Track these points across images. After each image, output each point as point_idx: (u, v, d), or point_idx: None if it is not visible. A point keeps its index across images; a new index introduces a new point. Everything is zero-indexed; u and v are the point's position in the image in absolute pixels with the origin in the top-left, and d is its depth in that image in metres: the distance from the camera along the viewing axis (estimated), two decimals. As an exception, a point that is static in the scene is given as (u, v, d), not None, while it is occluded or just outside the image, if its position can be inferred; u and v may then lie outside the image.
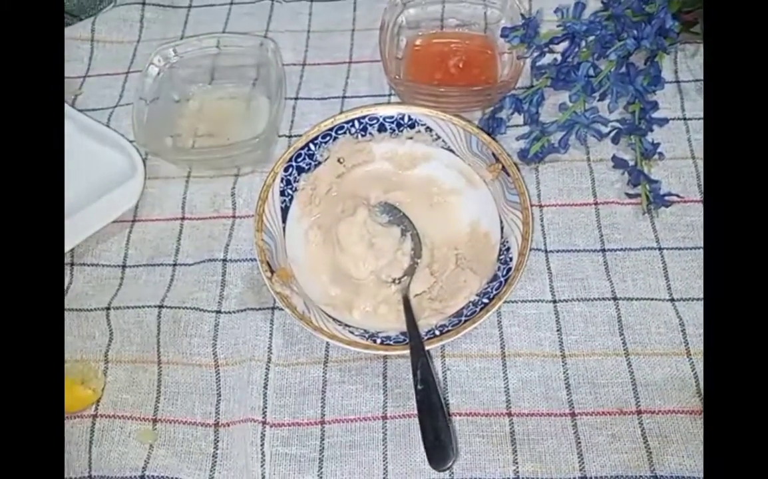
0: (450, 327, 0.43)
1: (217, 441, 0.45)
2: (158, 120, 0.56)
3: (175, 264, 0.52)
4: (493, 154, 0.49)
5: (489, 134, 0.50)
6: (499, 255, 0.46)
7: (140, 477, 0.44)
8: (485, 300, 0.44)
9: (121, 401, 0.47)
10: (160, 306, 0.50)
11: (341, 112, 0.52)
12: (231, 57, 0.61)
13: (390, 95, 0.59)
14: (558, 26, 0.52)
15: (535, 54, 0.52)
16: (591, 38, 0.53)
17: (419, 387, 0.41)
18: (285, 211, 0.49)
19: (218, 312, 0.49)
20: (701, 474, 0.42)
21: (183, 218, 0.54)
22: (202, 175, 0.56)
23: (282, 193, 0.49)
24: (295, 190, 0.50)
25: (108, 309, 0.50)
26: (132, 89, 0.58)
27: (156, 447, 0.45)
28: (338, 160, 0.52)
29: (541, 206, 0.53)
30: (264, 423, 0.45)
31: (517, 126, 0.55)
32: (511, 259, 0.45)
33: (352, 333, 0.44)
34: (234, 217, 0.54)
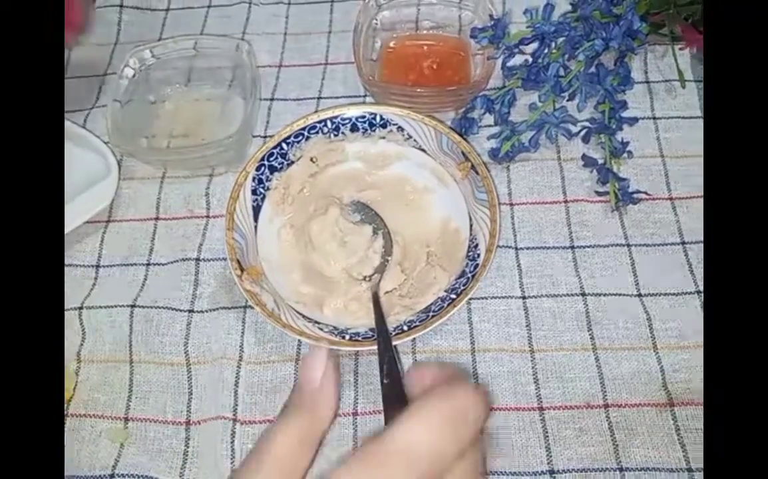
0: (418, 323, 0.44)
1: (188, 439, 0.45)
2: (133, 121, 0.56)
3: (148, 264, 0.52)
4: (463, 153, 0.50)
5: (459, 134, 0.51)
6: (468, 252, 0.47)
7: (110, 476, 0.44)
8: (453, 296, 0.44)
9: (93, 400, 0.47)
10: (133, 306, 0.50)
11: (315, 112, 0.53)
12: (207, 59, 0.61)
13: (365, 96, 0.60)
14: (527, 27, 0.53)
15: (505, 55, 0.53)
16: (560, 39, 0.54)
17: (385, 381, 0.41)
18: (257, 209, 0.50)
19: (191, 311, 0.50)
20: (666, 466, 0.42)
21: (157, 218, 0.54)
22: (176, 175, 0.56)
23: (254, 192, 0.50)
24: (268, 189, 0.51)
25: (81, 308, 0.50)
26: (109, 91, 0.58)
27: (127, 446, 0.45)
28: (311, 160, 0.52)
29: (512, 204, 0.53)
30: (235, 420, 0.45)
31: (489, 126, 0.56)
32: (479, 256, 0.46)
33: (321, 329, 0.44)
34: (208, 216, 0.54)
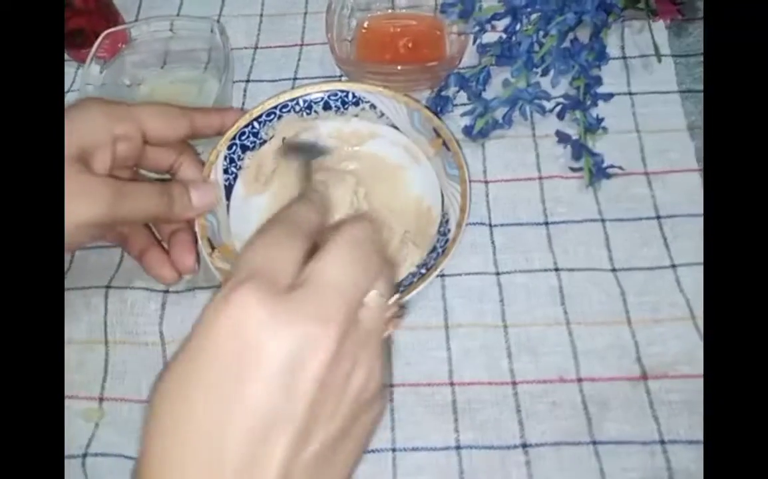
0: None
1: (163, 418, 0.46)
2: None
3: (124, 246, 0.52)
4: (434, 130, 0.49)
5: (431, 110, 0.50)
6: (440, 228, 0.47)
7: (83, 455, 0.44)
8: (423, 271, 0.44)
9: (69, 382, 0.47)
10: (108, 287, 0.50)
11: (287, 90, 0.52)
12: (183, 41, 0.61)
13: (341, 77, 0.59)
14: (499, 2, 0.52)
15: (476, 30, 0.53)
16: (534, 14, 0.54)
17: None
18: (229, 189, 0.50)
19: (166, 291, 0.50)
20: (639, 439, 0.42)
21: (132, 200, 0.54)
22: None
23: (225, 171, 0.50)
24: (240, 168, 0.51)
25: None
26: (83, 75, 0.58)
27: (101, 426, 0.45)
28: (283, 140, 0.52)
29: (486, 182, 0.53)
30: (208, 398, 0.45)
31: (464, 103, 0.56)
32: (449, 231, 0.46)
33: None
34: (182, 196, 0.54)
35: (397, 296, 0.33)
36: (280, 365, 0.26)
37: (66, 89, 0.61)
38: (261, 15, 0.65)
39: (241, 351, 0.26)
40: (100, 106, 0.44)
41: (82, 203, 0.40)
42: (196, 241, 0.47)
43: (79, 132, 0.42)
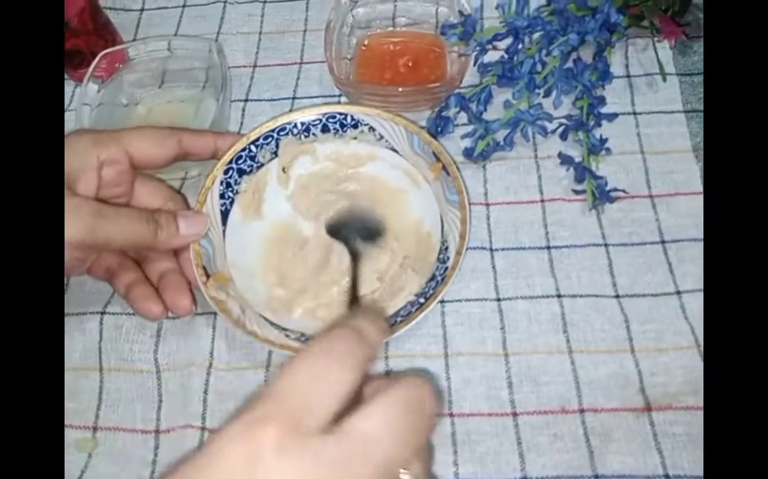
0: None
1: (157, 448, 0.45)
2: (104, 125, 0.55)
3: (119, 270, 0.52)
4: (434, 154, 0.49)
5: (432, 133, 0.50)
6: (439, 254, 0.46)
7: (76, 486, 0.43)
8: (422, 301, 0.43)
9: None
10: (103, 313, 0.49)
11: (284, 113, 0.52)
12: (181, 60, 0.60)
13: (340, 96, 0.59)
14: (500, 23, 0.51)
15: (477, 51, 0.52)
16: (536, 34, 0.53)
17: None
18: (225, 214, 0.49)
19: (167, 310, 0.49)
20: (643, 473, 0.41)
21: (129, 223, 0.54)
22: (149, 178, 0.55)
23: (222, 196, 0.49)
24: (236, 192, 0.50)
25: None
26: (80, 95, 0.57)
27: (95, 455, 0.45)
28: (282, 170, 0.51)
29: (487, 204, 0.52)
30: (203, 429, 0.45)
31: (465, 124, 0.55)
32: (449, 259, 0.45)
33: (288, 336, 0.43)
34: (179, 220, 0.53)
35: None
36: None
37: (64, 107, 0.60)
38: (260, 33, 0.64)
39: None
40: (86, 134, 0.45)
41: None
42: (188, 281, 0.47)
43: (65, 159, 0.42)
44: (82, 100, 0.55)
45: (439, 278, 0.44)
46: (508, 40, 0.52)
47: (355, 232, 0.47)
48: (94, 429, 0.46)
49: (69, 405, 0.47)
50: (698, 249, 0.49)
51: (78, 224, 0.40)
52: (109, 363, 0.48)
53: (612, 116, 0.53)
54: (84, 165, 0.43)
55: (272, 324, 0.45)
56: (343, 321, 0.27)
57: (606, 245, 0.50)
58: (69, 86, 0.62)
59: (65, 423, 0.46)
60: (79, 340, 0.49)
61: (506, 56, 0.53)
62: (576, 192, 0.51)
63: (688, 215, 0.50)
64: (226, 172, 0.49)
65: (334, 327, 0.27)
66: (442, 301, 0.48)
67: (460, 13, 0.54)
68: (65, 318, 0.49)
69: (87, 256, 0.46)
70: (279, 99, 0.59)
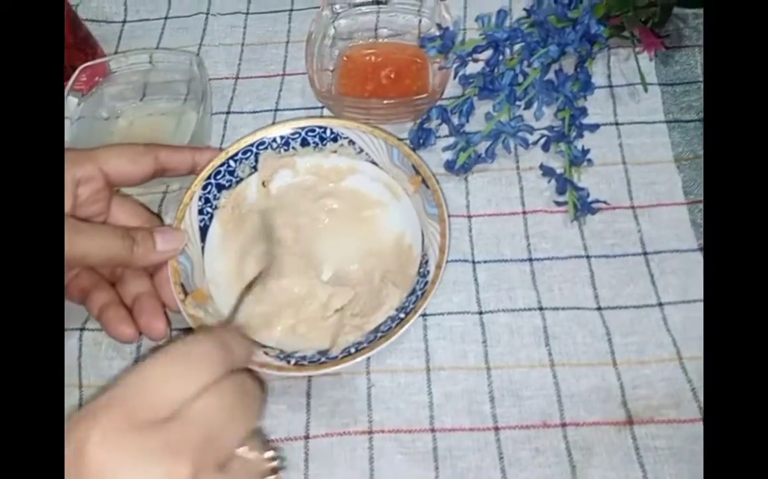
0: (366, 344, 0.43)
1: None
2: (85, 139, 0.55)
3: (99, 286, 0.51)
4: (413, 166, 0.48)
5: (410, 146, 0.49)
6: (419, 268, 0.46)
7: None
8: (401, 316, 0.43)
9: (40, 428, 0.46)
10: (82, 329, 0.49)
11: (263, 127, 0.51)
12: (162, 73, 0.60)
13: (323, 108, 0.58)
14: (480, 35, 0.51)
15: (457, 63, 0.52)
16: (516, 46, 0.53)
17: None
18: (204, 229, 0.49)
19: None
20: (623, 487, 0.41)
21: (108, 238, 0.53)
22: (129, 192, 0.55)
23: (201, 212, 0.49)
24: (216, 208, 0.49)
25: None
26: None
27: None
28: (263, 184, 0.51)
29: (469, 216, 0.52)
30: (182, 446, 0.44)
31: (447, 136, 0.55)
32: (429, 273, 0.44)
33: (267, 354, 0.43)
34: (159, 235, 0.53)
35: (271, 453, 0.31)
36: None
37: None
38: (242, 44, 0.64)
39: None
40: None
41: None
42: (162, 304, 0.46)
43: None
44: (63, 113, 0.54)
45: (419, 292, 0.44)
46: (489, 52, 0.52)
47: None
48: (73, 447, 0.45)
49: (47, 423, 0.46)
50: (680, 260, 0.49)
51: None
52: (89, 380, 0.47)
53: (594, 127, 0.53)
54: None
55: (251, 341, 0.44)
56: (208, 331, 0.31)
57: (588, 257, 0.50)
58: (50, 99, 0.62)
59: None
60: (57, 357, 0.48)
61: (487, 68, 0.53)
62: (558, 203, 0.51)
63: (669, 226, 0.50)
64: (204, 187, 0.49)
65: (197, 334, 0.30)
66: (424, 315, 0.47)
67: (439, 26, 0.54)
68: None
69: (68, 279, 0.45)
70: (261, 111, 0.59)
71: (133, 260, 0.44)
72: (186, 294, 0.44)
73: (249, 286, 0.45)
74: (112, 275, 0.48)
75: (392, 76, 0.58)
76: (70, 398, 0.47)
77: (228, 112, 0.59)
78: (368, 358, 0.46)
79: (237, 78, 0.62)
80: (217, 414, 0.27)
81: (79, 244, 0.41)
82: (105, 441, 0.24)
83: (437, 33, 0.53)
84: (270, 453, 0.31)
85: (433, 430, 0.44)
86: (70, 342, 0.48)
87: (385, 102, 0.54)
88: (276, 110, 0.59)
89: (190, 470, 0.25)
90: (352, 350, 0.43)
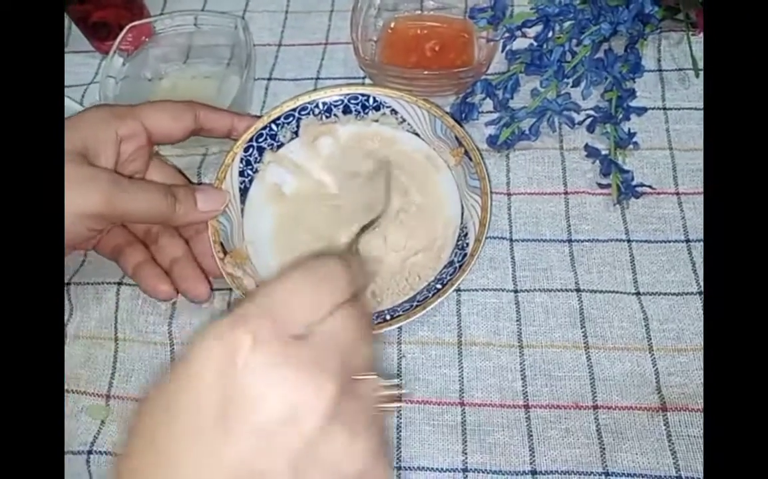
0: (401, 312, 0.42)
1: (168, 420, 0.45)
2: (128, 99, 0.55)
3: (138, 242, 0.52)
4: (456, 138, 0.48)
5: (455, 119, 0.49)
6: (458, 240, 0.45)
7: (88, 452, 0.44)
8: (438, 286, 0.43)
9: (76, 376, 0.47)
10: (120, 283, 0.50)
11: (306, 92, 0.51)
12: (207, 36, 0.60)
13: (364, 78, 0.58)
14: (531, 9, 0.50)
15: (506, 37, 0.51)
16: (567, 23, 0.52)
17: None
18: (244, 192, 0.49)
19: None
20: (655, 473, 0.41)
21: (149, 196, 0.54)
22: (169, 153, 0.55)
23: (241, 174, 0.49)
24: (256, 171, 0.50)
25: (69, 284, 0.50)
26: (106, 67, 0.57)
27: (107, 423, 0.45)
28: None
29: (509, 194, 0.51)
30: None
31: (490, 111, 0.54)
32: (468, 245, 0.44)
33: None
34: (198, 195, 0.53)
35: (396, 380, 0.31)
36: (269, 419, 0.24)
37: (88, 81, 0.60)
38: (286, 11, 0.64)
39: (228, 398, 0.24)
40: (104, 108, 0.44)
41: (80, 193, 0.39)
42: (201, 268, 0.46)
43: (84, 131, 0.42)
44: (107, 72, 0.55)
45: (457, 264, 0.44)
46: (538, 28, 0.51)
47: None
48: (107, 397, 0.46)
49: (81, 372, 0.47)
50: (724, 249, 0.47)
51: (96, 195, 0.40)
52: (124, 334, 0.48)
53: (641, 110, 0.52)
54: (103, 139, 0.43)
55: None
56: (329, 253, 0.30)
57: (629, 241, 0.49)
58: (94, 59, 0.62)
59: (78, 389, 0.46)
60: (95, 309, 0.49)
61: (535, 44, 0.52)
62: (601, 185, 0.50)
63: (715, 214, 0.49)
64: (246, 149, 0.49)
65: (319, 256, 0.29)
66: (458, 290, 0.47)
67: (492, -4, 0.53)
68: (83, 287, 0.50)
69: (103, 228, 0.45)
70: (302, 79, 0.59)
71: (174, 218, 0.44)
72: (225, 253, 0.45)
73: (366, 227, 0.45)
74: (145, 235, 0.48)
75: (437, 48, 0.57)
76: (105, 350, 0.48)
77: (269, 79, 0.59)
78: (400, 328, 0.46)
79: (280, 45, 0.62)
80: (349, 335, 0.27)
81: (122, 201, 0.41)
82: (258, 349, 0.24)
83: (487, 4, 0.52)
84: (395, 380, 0.30)
85: (462, 404, 0.44)
86: (108, 294, 0.49)
87: (429, 73, 0.53)
88: (317, 79, 0.59)
89: (337, 388, 0.25)
90: (387, 317, 0.42)
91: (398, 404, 0.31)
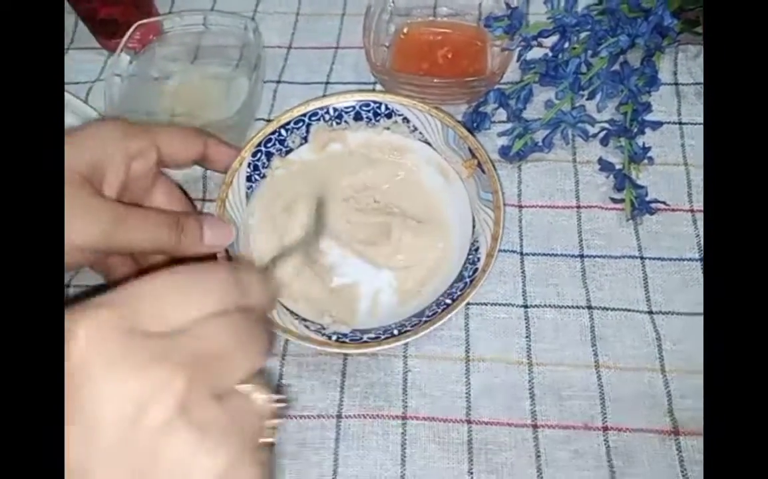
0: (409, 328, 0.42)
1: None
2: (134, 98, 0.55)
3: (141, 246, 0.51)
4: (470, 150, 0.47)
5: (468, 128, 0.48)
6: (468, 254, 0.44)
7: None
8: (448, 301, 0.42)
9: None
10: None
11: (317, 98, 0.50)
12: (215, 36, 0.59)
13: (375, 83, 0.57)
14: (548, 19, 0.49)
15: (522, 46, 0.50)
16: (583, 34, 0.51)
17: None
18: (251, 197, 0.48)
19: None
20: (664, 498, 0.40)
21: (153, 199, 0.53)
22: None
23: (249, 179, 0.48)
24: (264, 176, 0.49)
25: (69, 286, 0.49)
26: (111, 65, 0.56)
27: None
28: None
29: (520, 206, 0.50)
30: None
31: (502, 121, 0.53)
32: (479, 260, 0.43)
33: (308, 327, 0.42)
34: (204, 200, 0.52)
35: (277, 396, 0.29)
36: (118, 415, 0.23)
37: (94, 78, 0.59)
38: (297, 13, 0.63)
39: (78, 394, 0.23)
40: (118, 124, 0.43)
41: (79, 225, 0.38)
42: None
43: (94, 148, 0.40)
44: (114, 70, 0.54)
45: (467, 279, 0.43)
46: (554, 38, 0.50)
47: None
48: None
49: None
50: (740, 270, 0.46)
51: (96, 228, 0.38)
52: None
53: (657, 124, 0.51)
54: (114, 155, 0.41)
55: (291, 312, 0.44)
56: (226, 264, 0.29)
57: (642, 258, 0.48)
58: (101, 56, 0.62)
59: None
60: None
61: (550, 54, 0.51)
62: (614, 200, 0.49)
63: (731, 234, 0.48)
64: (254, 154, 0.48)
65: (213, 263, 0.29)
66: (467, 304, 0.46)
67: (507, 5, 0.52)
68: (83, 289, 0.49)
69: (98, 258, 0.43)
70: (312, 83, 0.58)
71: (179, 250, 0.42)
72: (230, 259, 0.44)
73: (290, 249, 0.44)
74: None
75: (449, 56, 0.56)
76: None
77: (278, 82, 0.58)
78: (406, 344, 0.45)
79: (290, 47, 0.61)
80: (220, 339, 0.26)
81: (126, 235, 0.40)
82: (88, 340, 0.23)
83: (503, 13, 0.51)
84: (276, 396, 0.28)
85: (469, 422, 0.43)
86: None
87: (440, 80, 0.52)
88: (327, 83, 0.58)
89: (185, 384, 0.24)
90: (395, 332, 0.41)
91: (280, 421, 0.29)
